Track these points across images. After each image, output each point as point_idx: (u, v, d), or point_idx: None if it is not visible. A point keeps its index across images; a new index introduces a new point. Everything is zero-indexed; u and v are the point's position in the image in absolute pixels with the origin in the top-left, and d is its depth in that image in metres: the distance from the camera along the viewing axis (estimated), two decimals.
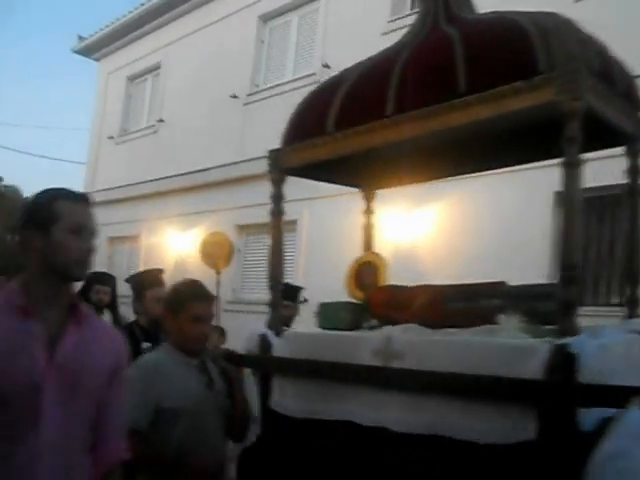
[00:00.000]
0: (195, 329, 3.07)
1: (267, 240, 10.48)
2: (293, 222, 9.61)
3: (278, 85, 10.70)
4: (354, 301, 3.86)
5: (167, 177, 11.99)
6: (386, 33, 9.04)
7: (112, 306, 6.09)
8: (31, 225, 1.99)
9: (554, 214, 6.81)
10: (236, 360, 3.53)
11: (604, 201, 6.61)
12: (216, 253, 9.78)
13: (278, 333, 3.57)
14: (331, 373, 3.15)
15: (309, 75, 10.12)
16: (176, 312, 3.11)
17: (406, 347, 2.92)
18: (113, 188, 13.53)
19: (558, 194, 6.74)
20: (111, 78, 15.28)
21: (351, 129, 3.29)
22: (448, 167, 4.08)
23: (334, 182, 4.55)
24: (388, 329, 3.21)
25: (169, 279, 11.78)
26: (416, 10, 8.76)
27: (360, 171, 4.14)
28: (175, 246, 11.67)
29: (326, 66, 9.69)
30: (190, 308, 3.07)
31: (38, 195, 2.06)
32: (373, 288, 3.86)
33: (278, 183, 3.74)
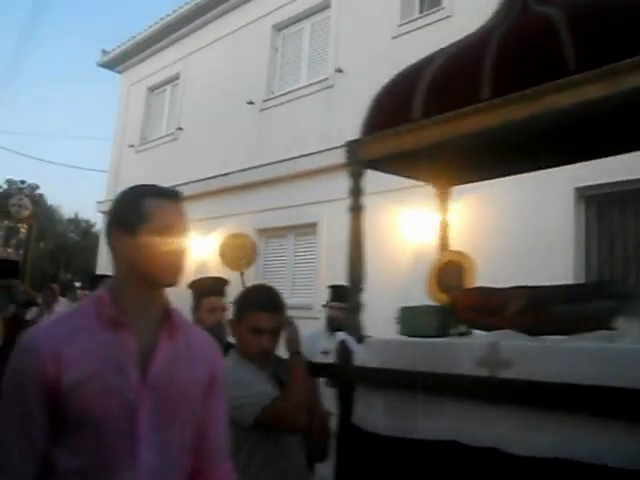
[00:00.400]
0: (255, 341, 2.80)
1: (287, 243, 10.69)
2: (313, 225, 9.85)
3: (292, 91, 10.94)
4: (439, 305, 3.51)
5: (187, 183, 12.22)
6: (396, 37, 9.28)
7: None
8: (117, 226, 1.81)
9: (575, 210, 6.91)
10: (312, 370, 3.00)
11: None
12: (238, 254, 9.87)
13: (360, 340, 3.20)
14: (429, 385, 2.74)
15: (322, 80, 10.35)
16: (239, 319, 2.88)
17: (515, 355, 2.56)
18: None
19: (578, 190, 6.90)
20: (132, 89, 15.62)
21: (440, 115, 2.98)
22: (539, 158, 3.70)
23: (409, 177, 4.24)
24: (491, 335, 2.88)
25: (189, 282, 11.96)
26: (425, 13, 9.03)
27: (434, 166, 3.83)
28: (197, 251, 11.86)
29: (339, 71, 9.95)
30: (251, 318, 2.81)
31: (124, 193, 1.89)
32: (459, 290, 3.51)
33: (357, 176, 3.42)
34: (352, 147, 3.47)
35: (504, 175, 4.08)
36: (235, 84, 11.97)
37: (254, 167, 10.71)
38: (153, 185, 1.89)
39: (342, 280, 8.96)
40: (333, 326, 5.54)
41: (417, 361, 2.85)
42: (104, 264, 14.51)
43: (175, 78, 14.18)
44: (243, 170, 11.04)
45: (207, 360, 1.93)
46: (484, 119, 2.84)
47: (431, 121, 3.03)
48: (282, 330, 2.88)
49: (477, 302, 3.26)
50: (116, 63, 16.13)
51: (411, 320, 3.38)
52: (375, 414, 2.98)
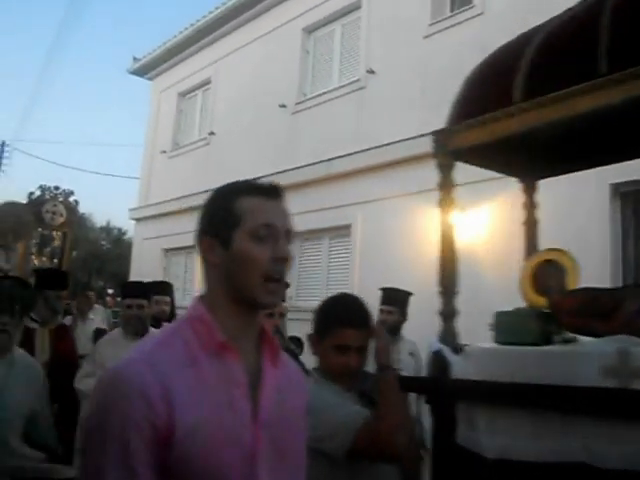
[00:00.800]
0: (340, 360, 2.44)
1: (322, 245, 10.63)
2: (347, 227, 9.78)
3: (324, 93, 10.89)
4: (539, 309, 3.13)
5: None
6: (427, 36, 9.18)
7: (171, 319, 5.66)
8: (207, 235, 1.53)
9: (611, 207, 6.76)
10: (403, 384, 2.55)
11: None
12: None
13: (457, 350, 2.89)
14: (547, 400, 2.44)
15: (354, 81, 10.27)
16: (321, 335, 2.51)
17: None
18: (167, 201, 13.85)
19: (613, 186, 6.74)
20: (163, 95, 15.70)
21: (547, 96, 2.69)
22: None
23: (496, 169, 3.93)
24: (609, 341, 2.55)
25: None
26: (456, 12, 8.91)
27: (525, 156, 3.49)
28: None
29: (371, 72, 9.86)
30: (337, 334, 2.44)
31: (214, 194, 1.60)
32: (560, 292, 3.11)
33: (446, 169, 3.15)
34: (441, 137, 3.17)
35: (593, 166, 3.77)
36: (266, 87, 11.96)
37: (287, 170, 10.67)
38: (247, 181, 1.60)
39: (378, 282, 8.83)
40: None
41: (527, 373, 2.56)
42: (136, 271, 14.65)
43: (206, 83, 14.23)
44: (276, 173, 11.01)
45: (301, 387, 1.67)
46: (603, 96, 2.53)
47: (536, 103, 2.74)
48: (370, 344, 2.51)
49: (583, 305, 2.90)
50: (147, 70, 16.25)
51: (509, 326, 2.99)
52: (479, 433, 2.65)
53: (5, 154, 27.10)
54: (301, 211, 10.32)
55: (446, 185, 3.15)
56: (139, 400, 1.32)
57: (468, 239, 6.95)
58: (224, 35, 13.60)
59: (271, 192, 1.55)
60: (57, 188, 12.36)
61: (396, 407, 2.34)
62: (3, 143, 27.40)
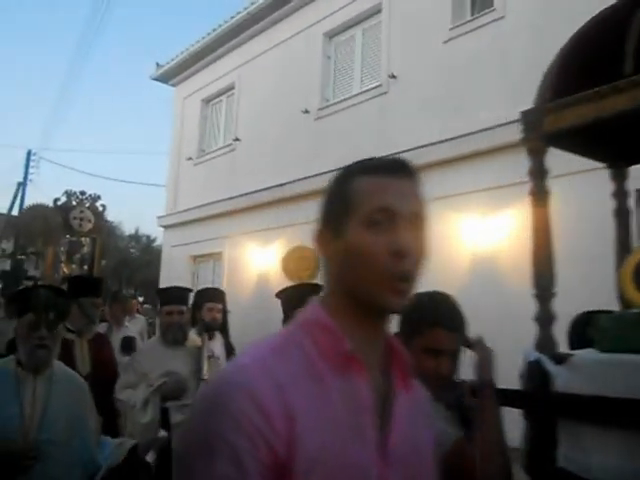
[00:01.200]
0: (431, 364, 2.18)
1: None
2: None
3: (347, 99, 10.93)
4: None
5: (245, 194, 12.30)
6: (448, 41, 9.19)
7: (224, 327, 5.34)
8: (322, 226, 1.28)
9: (637, 213, 6.68)
10: (498, 397, 2.22)
11: None
12: (302, 266, 9.86)
13: (559, 360, 2.53)
14: None
15: (376, 87, 10.31)
16: (410, 335, 2.20)
17: None
18: (194, 208, 13.94)
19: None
20: (187, 102, 15.77)
21: None
22: None
23: (587, 155, 3.45)
24: None
25: (252, 294, 12.02)
26: (476, 16, 8.90)
27: (620, 140, 3.07)
28: (256, 261, 11.90)
29: (392, 76, 9.90)
30: (429, 335, 2.19)
31: (334, 177, 1.32)
32: None
33: (538, 154, 2.77)
34: (532, 118, 2.76)
35: None
36: (289, 93, 12.04)
37: (311, 176, 10.72)
38: (372, 158, 1.30)
39: None
40: None
41: None
42: (166, 278, 14.70)
43: (230, 88, 14.28)
44: (298, 180, 11.08)
45: (429, 418, 1.39)
46: None
47: None
48: (461, 351, 2.26)
49: None
50: (170, 76, 16.28)
51: (617, 331, 2.53)
52: (587, 455, 2.30)
53: (32, 163, 27.17)
54: None
55: (539, 173, 2.78)
56: (254, 410, 1.05)
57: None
58: (246, 41, 13.67)
59: (393, 169, 1.24)
60: (83, 193, 11.94)
61: (495, 430, 2.12)
62: (29, 152, 27.45)
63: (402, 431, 1.21)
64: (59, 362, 3.35)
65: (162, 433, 4.35)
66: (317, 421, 1.10)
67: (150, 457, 4.35)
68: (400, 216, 1.18)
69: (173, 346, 4.67)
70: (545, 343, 2.64)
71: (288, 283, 9.73)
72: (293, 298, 3.66)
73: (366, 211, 1.19)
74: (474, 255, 7.78)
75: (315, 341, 1.19)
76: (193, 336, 4.85)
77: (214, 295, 5.36)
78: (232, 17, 13.54)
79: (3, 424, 2.93)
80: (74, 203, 12.26)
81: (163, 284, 14.66)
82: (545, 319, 2.67)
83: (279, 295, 3.92)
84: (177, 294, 4.99)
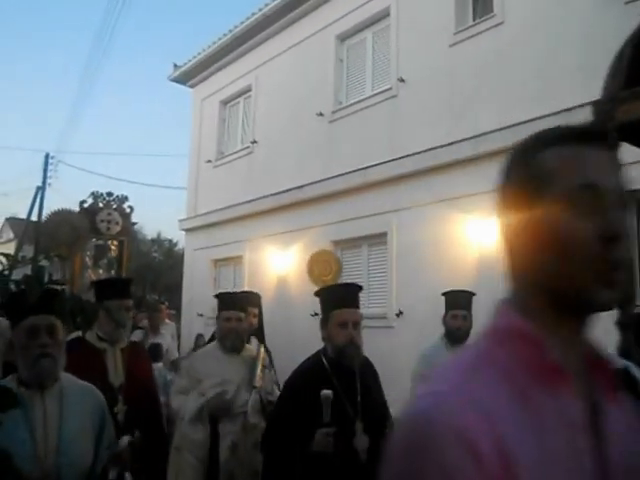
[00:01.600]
0: None
1: (361, 254, 10.76)
2: (383, 234, 9.91)
3: (359, 101, 11.00)
4: None
5: (264, 197, 12.38)
6: (453, 45, 9.30)
7: (260, 331, 5.31)
8: (505, 206, 1.11)
9: None
10: None
11: None
12: (325, 270, 9.91)
13: None
14: None
15: (386, 90, 10.40)
16: None
17: None
18: (214, 211, 13.98)
19: None
20: (205, 103, 15.78)
21: None
22: None
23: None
24: None
25: (272, 297, 12.14)
26: (478, 21, 8.88)
27: None
28: (276, 264, 11.94)
29: (401, 80, 10.00)
30: None
31: (516, 147, 1.14)
32: None
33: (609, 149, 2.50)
34: (603, 109, 2.50)
35: None
36: (304, 95, 12.12)
37: (327, 179, 10.85)
38: (559, 126, 1.11)
39: (415, 288, 8.78)
40: (455, 338, 5.09)
41: None
42: (189, 283, 14.82)
43: (247, 90, 14.28)
44: (314, 182, 11.20)
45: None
46: None
47: None
48: None
49: None
50: (187, 77, 16.24)
51: None
52: None
53: (50, 166, 27.09)
54: (341, 219, 10.55)
55: None
56: (463, 453, 0.89)
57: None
58: (261, 42, 13.70)
59: (593, 137, 1.07)
60: (110, 194, 11.55)
61: None
62: (47, 155, 27.37)
63: (621, 455, 1.01)
64: (67, 374, 2.98)
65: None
66: (533, 452, 0.93)
67: None
68: (607, 194, 1.02)
69: (230, 353, 4.69)
70: (628, 348, 2.43)
71: (308, 286, 9.84)
72: (327, 299, 3.64)
73: (564, 189, 1.02)
74: (481, 256, 7.86)
75: (514, 352, 1.02)
76: (248, 345, 4.87)
77: (249, 299, 5.33)
78: (247, 18, 13.55)
79: (13, 452, 2.47)
80: (100, 205, 12.02)
81: (186, 289, 14.80)
82: (626, 323, 2.48)
83: (318, 294, 3.80)
84: (234, 299, 4.91)
